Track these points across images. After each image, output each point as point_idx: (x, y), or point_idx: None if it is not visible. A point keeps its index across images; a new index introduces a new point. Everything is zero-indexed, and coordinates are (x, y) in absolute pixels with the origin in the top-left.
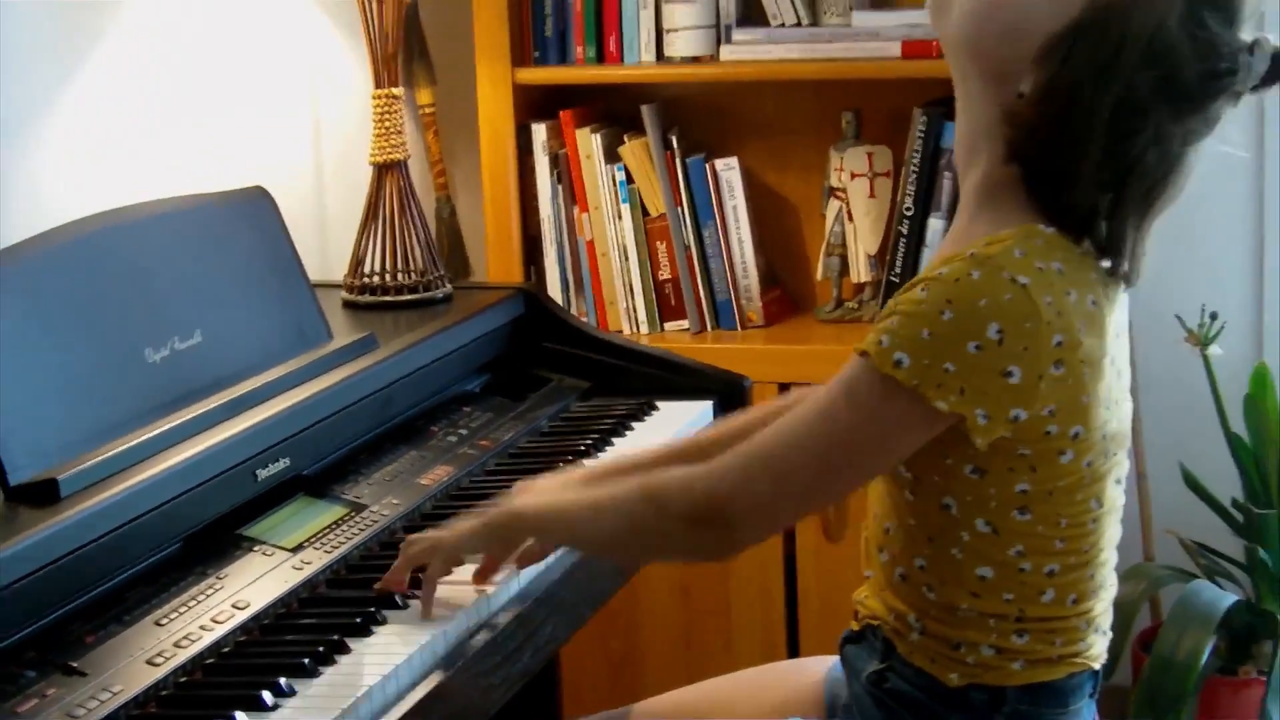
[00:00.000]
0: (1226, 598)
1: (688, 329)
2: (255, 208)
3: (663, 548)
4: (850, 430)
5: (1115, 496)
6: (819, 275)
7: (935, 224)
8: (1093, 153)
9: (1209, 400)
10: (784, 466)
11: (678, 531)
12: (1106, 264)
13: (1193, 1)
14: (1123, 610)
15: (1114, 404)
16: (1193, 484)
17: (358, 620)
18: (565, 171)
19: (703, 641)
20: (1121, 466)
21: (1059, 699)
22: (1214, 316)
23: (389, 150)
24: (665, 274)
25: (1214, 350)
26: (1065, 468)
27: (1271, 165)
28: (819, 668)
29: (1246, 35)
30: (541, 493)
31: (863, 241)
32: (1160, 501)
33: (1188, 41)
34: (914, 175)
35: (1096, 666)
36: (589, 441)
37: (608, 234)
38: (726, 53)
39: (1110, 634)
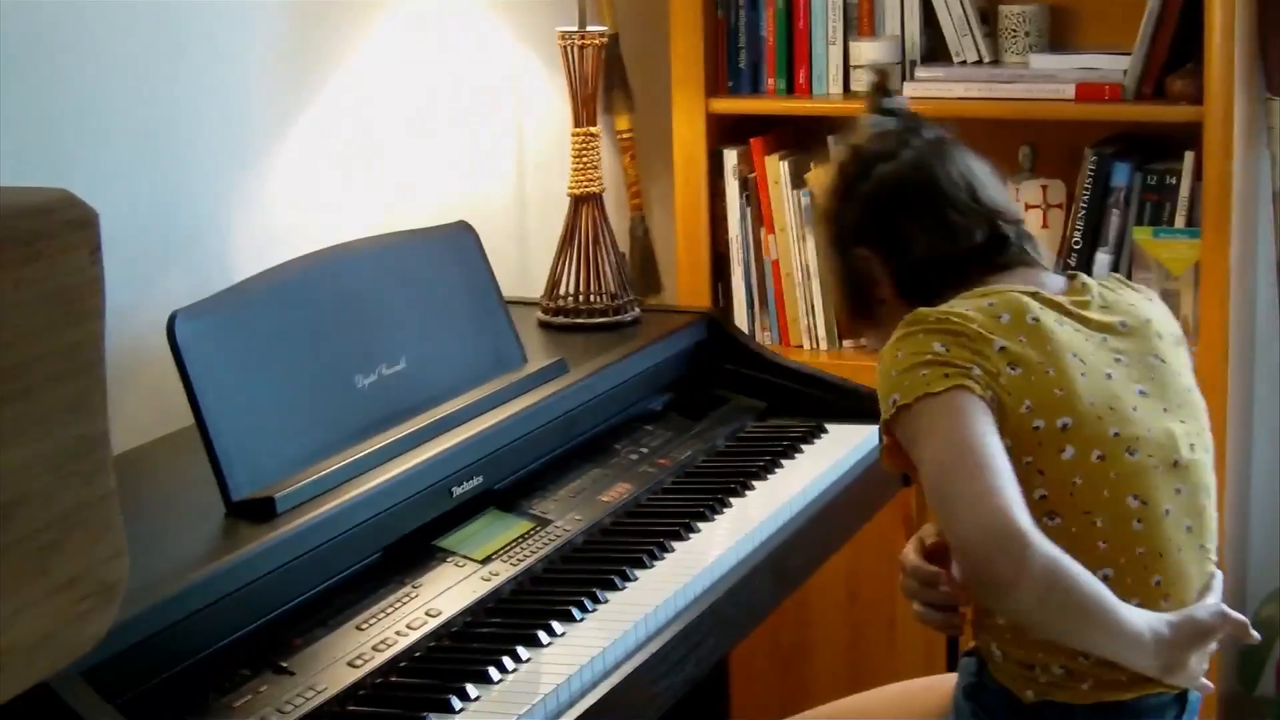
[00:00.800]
0: None
1: (865, 346)
2: (459, 241)
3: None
4: (947, 448)
5: (1165, 498)
6: None
7: (1102, 258)
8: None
9: None
10: (957, 485)
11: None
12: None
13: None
14: (1265, 630)
15: (1112, 401)
16: None
17: (536, 632)
18: (754, 195)
19: (868, 645)
20: (1168, 478)
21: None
22: None
23: (585, 184)
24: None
25: None
26: (1072, 463)
27: None
28: (948, 684)
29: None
30: None
31: None
32: None
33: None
34: (1083, 210)
35: (1178, 691)
36: (761, 464)
37: (792, 255)
38: (909, 89)
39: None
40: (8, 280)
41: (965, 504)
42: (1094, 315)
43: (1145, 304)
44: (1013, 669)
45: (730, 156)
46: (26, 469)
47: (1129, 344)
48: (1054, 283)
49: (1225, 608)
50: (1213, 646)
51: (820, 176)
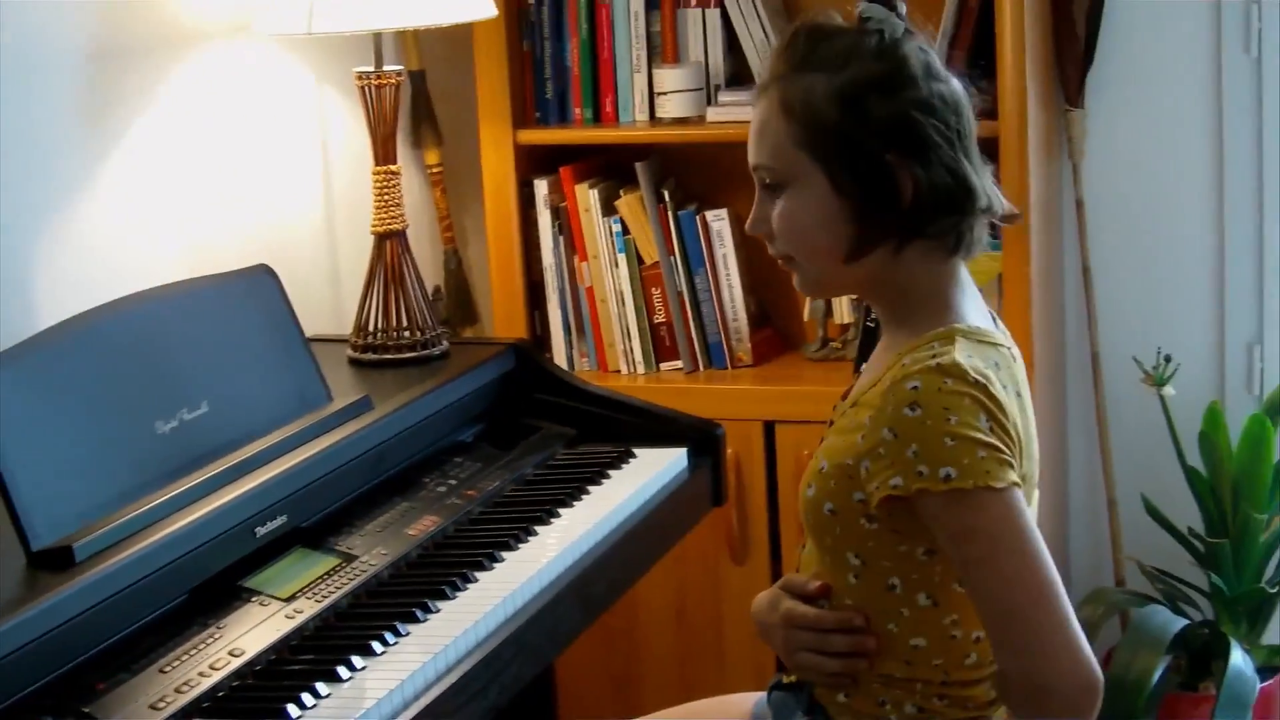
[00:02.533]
0: (1178, 620)
1: (682, 369)
2: (259, 284)
3: None
4: (1030, 568)
5: None
6: (806, 316)
7: None
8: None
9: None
10: (1039, 615)
11: None
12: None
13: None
14: (1086, 631)
15: (1031, 454)
16: (1154, 513)
17: (335, 669)
18: (566, 223)
19: (697, 661)
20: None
21: None
22: (1168, 359)
23: (388, 221)
24: (660, 317)
25: (1168, 391)
26: None
27: (1230, 215)
28: (745, 704)
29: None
30: None
31: None
32: (1129, 530)
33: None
34: None
35: None
36: (568, 490)
37: (606, 281)
38: (713, 114)
39: None
40: None
41: (1062, 648)
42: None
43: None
44: (860, 709)
45: (541, 186)
46: None
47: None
48: (982, 307)
49: None
50: None
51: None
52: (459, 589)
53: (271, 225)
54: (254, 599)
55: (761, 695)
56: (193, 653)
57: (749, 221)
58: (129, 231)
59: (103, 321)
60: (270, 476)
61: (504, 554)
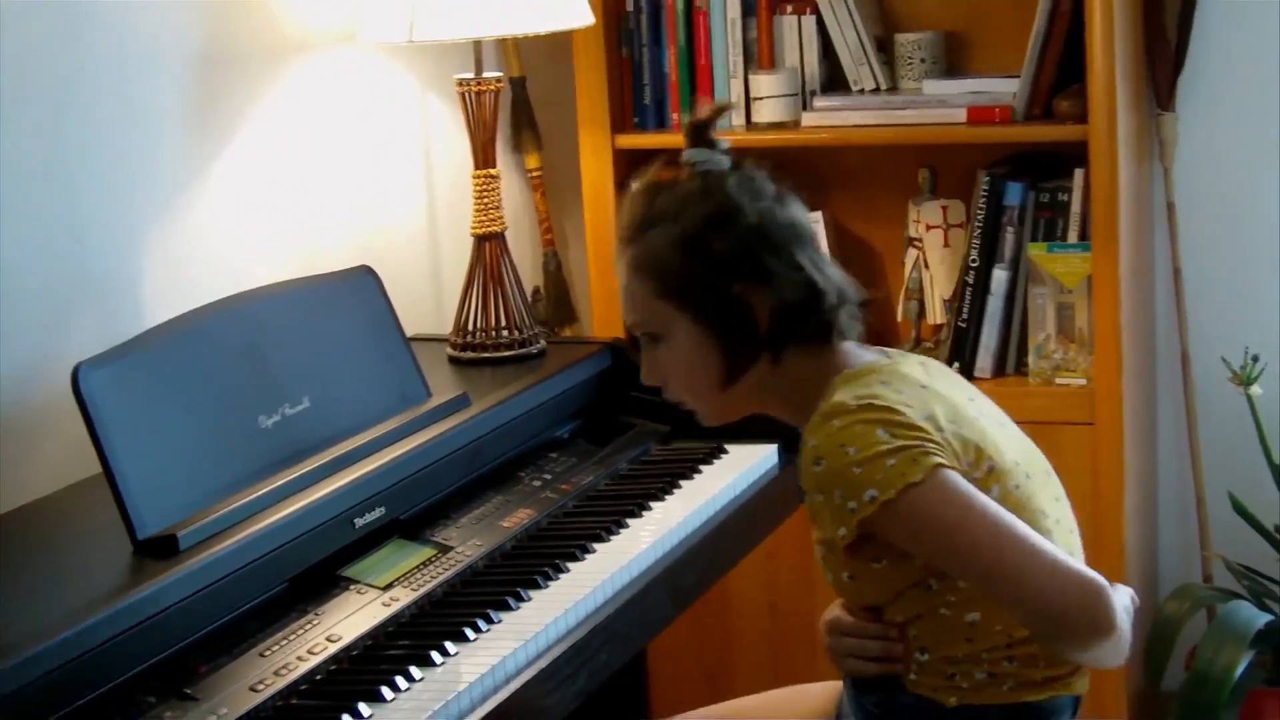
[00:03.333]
0: (1263, 616)
1: None
2: (360, 284)
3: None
4: (981, 530)
5: (1054, 509)
6: (900, 317)
7: (999, 274)
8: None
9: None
10: (1011, 565)
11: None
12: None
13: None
14: (1168, 627)
15: (994, 433)
16: (1241, 511)
17: (429, 652)
18: None
19: (789, 655)
20: (1047, 488)
21: (1037, 719)
22: (1255, 359)
23: (487, 224)
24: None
25: (1255, 390)
26: (1000, 501)
27: None
28: (832, 691)
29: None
30: None
31: (938, 287)
32: (1216, 528)
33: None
34: (978, 230)
35: (1078, 692)
36: (660, 485)
37: None
38: (808, 119)
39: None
40: None
41: (1044, 575)
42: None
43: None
44: (933, 680)
45: None
46: None
47: (954, 383)
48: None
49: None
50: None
51: (645, 199)
52: (551, 578)
53: (375, 228)
54: (352, 587)
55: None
56: (291, 638)
57: (642, 374)
58: (236, 233)
59: (209, 319)
60: (369, 470)
61: (596, 545)
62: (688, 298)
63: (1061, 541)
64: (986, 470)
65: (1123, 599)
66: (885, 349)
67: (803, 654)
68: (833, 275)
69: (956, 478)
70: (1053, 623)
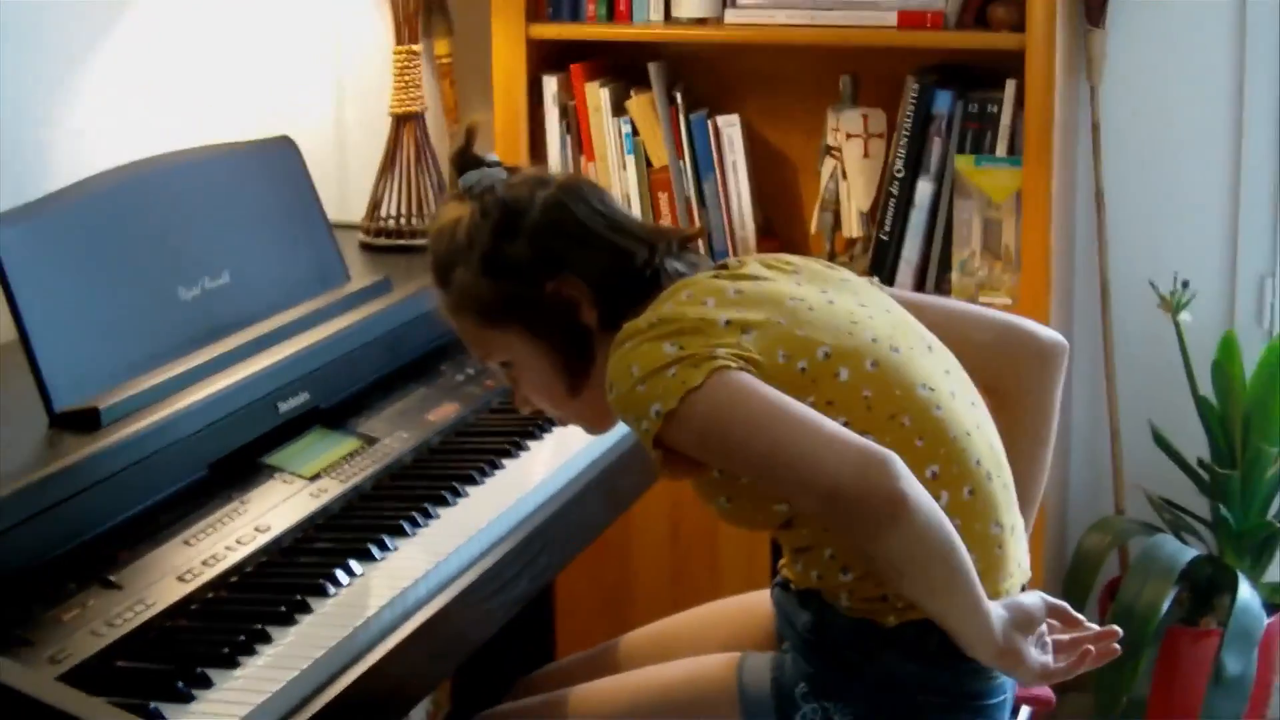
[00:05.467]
0: (1187, 551)
1: None
2: (281, 156)
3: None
4: (760, 419)
5: (944, 381)
6: (813, 229)
7: (924, 186)
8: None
9: (1180, 363)
10: (790, 445)
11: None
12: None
13: None
14: (1089, 560)
15: (850, 317)
16: (1162, 443)
17: (368, 546)
18: (574, 123)
19: (691, 574)
20: (930, 360)
21: None
22: (1185, 284)
23: (407, 103)
24: (666, 222)
25: (1184, 317)
26: (853, 381)
27: (1249, 137)
28: (768, 601)
29: None
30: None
31: (855, 199)
32: (1132, 458)
33: None
34: (905, 139)
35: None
36: None
37: (613, 182)
38: (730, 15)
39: (1029, 572)
40: None
41: (823, 450)
42: (747, 270)
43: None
44: (866, 604)
45: (550, 83)
46: None
47: (816, 278)
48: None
49: (1048, 597)
50: (1048, 647)
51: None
52: (487, 474)
53: (281, 106)
54: (277, 475)
55: None
56: (218, 526)
57: (517, 404)
58: (137, 106)
59: (122, 182)
60: (294, 351)
61: (529, 442)
62: (511, 315)
63: (960, 413)
64: (822, 356)
65: (1034, 599)
66: (730, 260)
67: (704, 576)
68: (637, 230)
69: (741, 377)
70: (837, 501)
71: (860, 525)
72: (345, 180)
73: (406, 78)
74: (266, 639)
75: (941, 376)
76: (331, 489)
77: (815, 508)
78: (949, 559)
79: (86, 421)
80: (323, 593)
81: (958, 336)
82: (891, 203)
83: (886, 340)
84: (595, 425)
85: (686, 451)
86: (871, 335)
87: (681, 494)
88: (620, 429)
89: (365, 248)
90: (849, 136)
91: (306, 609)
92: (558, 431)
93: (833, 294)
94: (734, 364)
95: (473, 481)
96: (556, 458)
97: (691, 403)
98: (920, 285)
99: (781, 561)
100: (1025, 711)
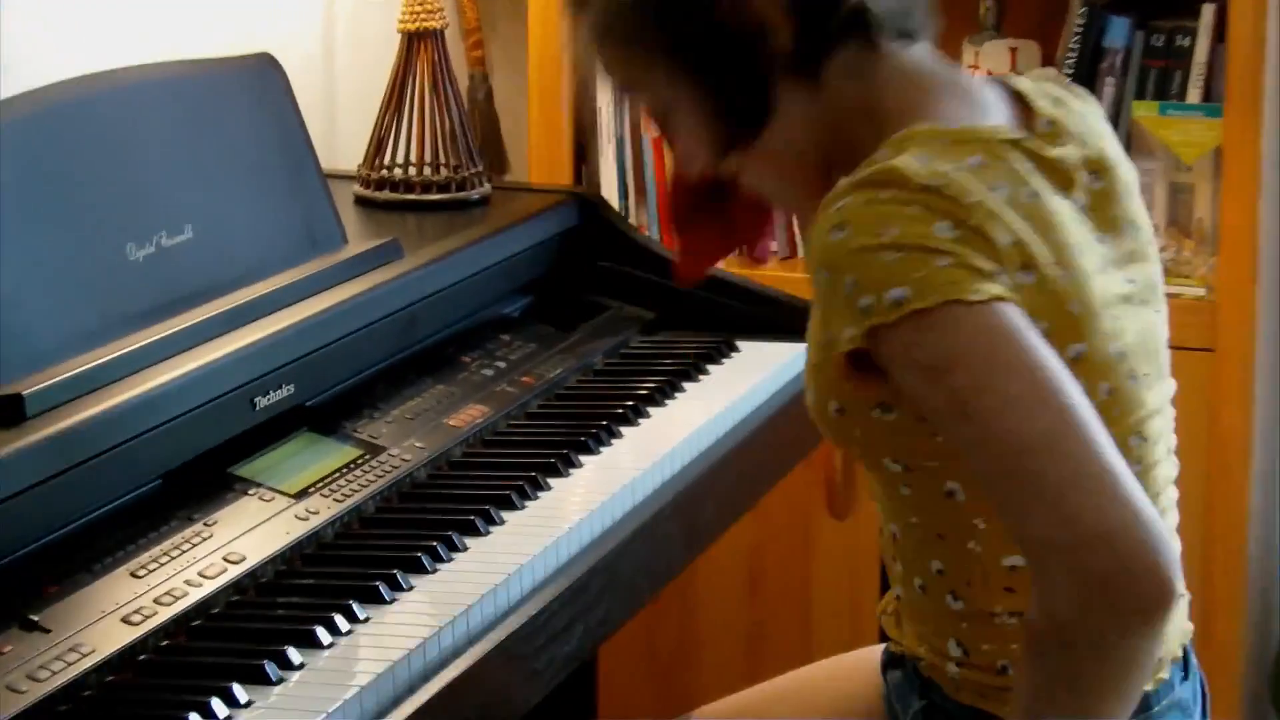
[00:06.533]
0: None
1: (775, 252)
2: (261, 79)
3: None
4: (1028, 400)
5: (1158, 428)
6: None
7: None
8: None
9: None
10: (1055, 457)
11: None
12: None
13: None
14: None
15: (1111, 306)
16: None
17: (374, 585)
18: None
19: (773, 640)
20: (1156, 391)
21: (1143, 709)
22: None
23: (423, 16)
24: None
25: None
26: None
27: None
28: (877, 664)
29: None
30: None
31: None
32: None
33: None
34: (1067, 81)
35: (1179, 654)
36: (652, 384)
37: None
38: None
39: (1190, 624)
40: None
41: (1093, 483)
42: (1055, 155)
43: (1092, 118)
44: (979, 680)
45: None
46: None
47: (1100, 202)
48: (990, 96)
49: None
50: None
51: None
52: (528, 496)
53: (253, 16)
54: (252, 492)
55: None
56: (175, 554)
57: (679, 165)
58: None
59: (53, 107)
60: (274, 331)
61: (582, 457)
62: (664, 28)
63: (1159, 476)
64: (1071, 357)
65: None
66: (1000, 79)
67: (792, 639)
68: None
69: (1024, 321)
70: (1081, 560)
71: (1099, 606)
72: (333, 116)
73: None
74: (237, 703)
75: (1159, 420)
76: (323, 510)
77: (1028, 542)
78: (1143, 677)
79: (6, 412)
80: (313, 643)
81: None
82: None
83: (1131, 359)
84: (785, 196)
85: (894, 377)
86: (1119, 346)
87: (766, 532)
88: None
89: (363, 203)
90: (992, 76)
91: (290, 665)
92: (618, 445)
93: (1107, 252)
94: (1015, 303)
95: (510, 505)
96: (622, 476)
97: (954, 316)
98: None
99: (882, 607)
100: None
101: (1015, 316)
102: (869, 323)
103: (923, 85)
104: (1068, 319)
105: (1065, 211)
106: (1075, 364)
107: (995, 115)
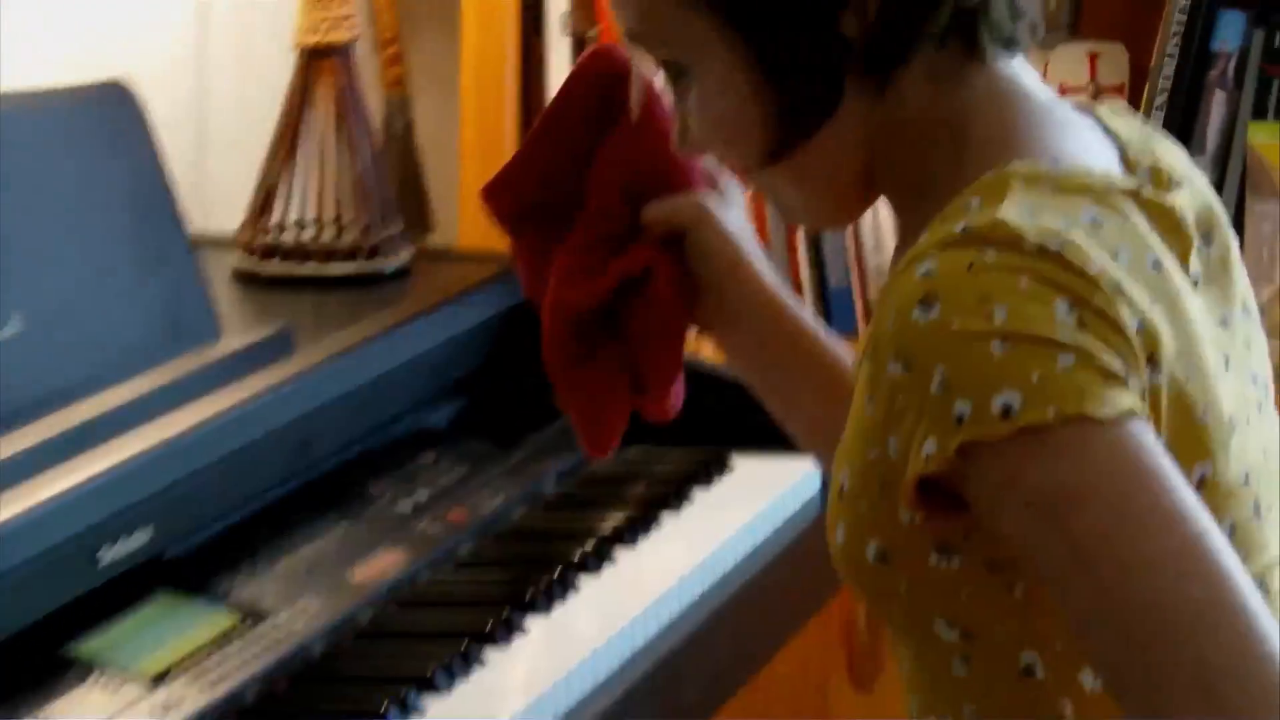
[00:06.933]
0: None
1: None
2: (108, 115)
3: None
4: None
5: (1277, 569)
6: None
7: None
8: None
9: None
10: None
11: None
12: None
13: None
14: None
15: (1237, 417)
16: None
17: None
18: None
19: None
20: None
21: None
22: None
23: (329, 29)
24: None
25: None
26: None
27: None
28: None
29: None
30: None
31: None
32: None
33: None
34: (1163, 94)
35: None
36: (621, 518)
37: None
38: None
39: None
40: None
41: (1254, 664)
42: (1171, 205)
43: (1186, 161)
44: None
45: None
46: None
47: (1217, 273)
48: (1084, 127)
49: None
50: None
51: None
52: (457, 676)
53: (109, 32)
54: (94, 674)
55: None
56: None
57: (675, 132)
58: None
59: None
60: (125, 458)
61: (529, 620)
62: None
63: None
64: (1197, 480)
65: None
66: (1097, 112)
67: None
68: None
69: (1159, 445)
70: None
71: None
72: (205, 161)
73: None
74: None
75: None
76: (188, 701)
77: None
78: None
79: None
80: None
81: None
82: None
83: (1256, 486)
84: (819, 217)
85: (984, 508)
86: (1246, 471)
87: (772, 705)
88: None
89: (244, 278)
90: (1063, 90)
91: None
92: (576, 600)
93: (1230, 338)
94: (1144, 412)
95: (433, 688)
96: (570, 649)
97: (1080, 437)
98: None
99: None
100: None
101: (1151, 440)
102: (963, 437)
103: (1018, 107)
104: (1195, 432)
105: (1187, 287)
106: (1199, 488)
107: (1099, 154)
